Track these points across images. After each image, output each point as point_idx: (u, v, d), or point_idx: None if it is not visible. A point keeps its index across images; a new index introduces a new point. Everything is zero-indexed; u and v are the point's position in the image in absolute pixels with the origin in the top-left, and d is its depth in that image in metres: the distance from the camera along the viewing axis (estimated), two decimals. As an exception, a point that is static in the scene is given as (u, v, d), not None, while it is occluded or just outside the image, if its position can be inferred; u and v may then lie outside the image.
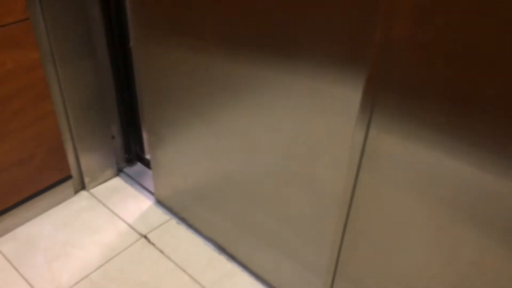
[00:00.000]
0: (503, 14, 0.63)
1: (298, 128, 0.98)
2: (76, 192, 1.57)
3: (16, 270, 1.32)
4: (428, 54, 0.72)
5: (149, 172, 1.69)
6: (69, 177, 1.50)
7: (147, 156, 1.74)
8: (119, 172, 1.67)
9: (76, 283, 1.30)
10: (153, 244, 1.42)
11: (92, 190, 1.59)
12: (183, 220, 1.50)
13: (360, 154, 0.89)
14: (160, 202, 1.55)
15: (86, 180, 1.57)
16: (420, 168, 0.82)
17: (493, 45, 0.65)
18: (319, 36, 0.84)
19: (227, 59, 1.01)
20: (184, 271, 1.34)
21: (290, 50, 0.89)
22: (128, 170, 1.69)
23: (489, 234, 0.79)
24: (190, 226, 1.48)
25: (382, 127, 0.83)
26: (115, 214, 1.51)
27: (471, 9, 0.65)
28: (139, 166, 1.71)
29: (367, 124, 0.85)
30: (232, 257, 1.39)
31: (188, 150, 1.28)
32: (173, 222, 1.50)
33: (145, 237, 1.44)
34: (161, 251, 1.40)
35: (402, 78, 0.77)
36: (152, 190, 1.61)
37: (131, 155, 1.69)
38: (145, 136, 1.70)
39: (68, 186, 1.52)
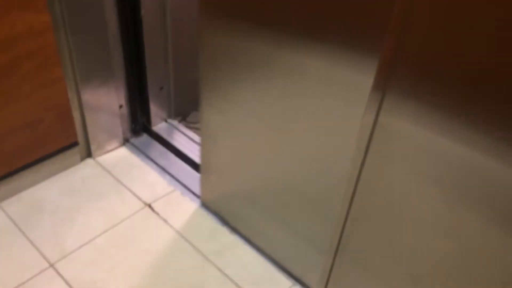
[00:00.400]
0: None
1: (313, 110, 0.98)
2: (82, 159, 1.58)
3: (21, 231, 1.34)
4: (442, 39, 0.72)
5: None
6: (75, 143, 1.51)
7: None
8: (125, 142, 1.68)
9: (80, 247, 1.32)
10: (157, 213, 1.44)
11: (98, 158, 1.60)
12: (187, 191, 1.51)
13: (369, 136, 0.89)
14: (205, 205, 1.49)
15: (92, 148, 1.58)
16: (428, 153, 0.82)
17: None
18: (336, 18, 0.84)
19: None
20: (186, 240, 1.36)
21: (308, 30, 0.89)
22: (134, 140, 1.70)
23: (493, 218, 0.79)
24: (196, 196, 1.50)
25: (392, 111, 0.83)
26: (120, 182, 1.53)
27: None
28: (145, 137, 1.72)
29: (378, 107, 0.85)
30: (235, 230, 1.40)
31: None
32: (178, 193, 1.51)
33: (150, 206, 1.46)
34: (165, 220, 1.42)
35: (416, 62, 0.77)
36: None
37: (137, 125, 1.70)
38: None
39: (74, 153, 1.53)
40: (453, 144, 0.78)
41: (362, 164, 0.94)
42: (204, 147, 1.34)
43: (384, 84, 0.82)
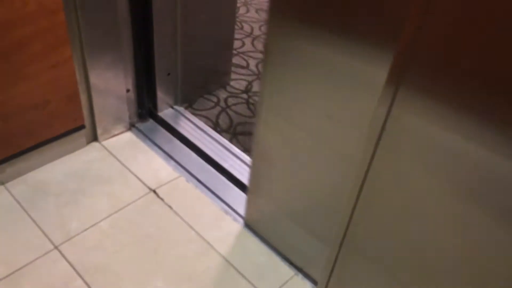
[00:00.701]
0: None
1: (330, 102, 0.97)
2: (88, 142, 1.57)
3: (26, 213, 1.34)
4: (459, 36, 0.71)
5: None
6: (82, 126, 1.51)
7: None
8: (131, 127, 1.67)
9: (85, 229, 1.32)
10: (161, 199, 1.44)
11: (103, 142, 1.60)
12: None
13: (381, 129, 0.89)
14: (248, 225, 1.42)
15: (99, 131, 1.57)
16: (438, 148, 0.82)
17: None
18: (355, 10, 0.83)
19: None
20: (190, 227, 1.36)
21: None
22: (140, 125, 1.69)
23: (501, 214, 0.79)
24: (201, 183, 1.50)
25: (405, 105, 0.83)
26: (126, 167, 1.52)
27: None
28: (151, 122, 1.72)
29: (391, 101, 0.85)
30: (239, 217, 1.40)
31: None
32: (182, 179, 1.51)
33: (154, 191, 1.46)
34: (169, 206, 1.41)
35: (430, 58, 0.76)
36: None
37: (144, 110, 1.69)
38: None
39: (80, 135, 1.53)
40: (463, 141, 0.78)
41: (373, 156, 0.93)
42: (255, 168, 1.26)
43: (398, 78, 0.82)
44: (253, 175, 1.27)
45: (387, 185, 0.94)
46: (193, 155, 1.61)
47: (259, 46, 2.21)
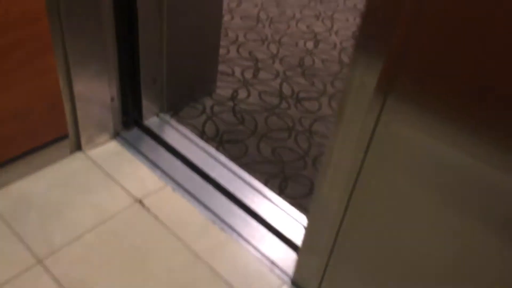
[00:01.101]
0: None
1: None
2: (72, 152, 1.54)
3: (8, 226, 1.30)
4: (447, 46, 0.72)
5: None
6: (65, 136, 1.47)
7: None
8: (115, 135, 1.64)
9: (69, 243, 1.29)
10: (147, 209, 1.41)
11: (88, 152, 1.56)
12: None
13: (370, 137, 0.89)
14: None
15: (83, 141, 1.54)
16: (426, 156, 0.83)
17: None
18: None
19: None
20: (177, 237, 1.34)
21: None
22: (125, 134, 1.66)
23: (491, 224, 0.79)
24: (187, 193, 1.48)
25: (393, 113, 0.84)
26: (110, 177, 1.49)
27: None
28: (136, 131, 1.69)
29: (380, 108, 0.85)
30: (226, 227, 1.39)
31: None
32: (169, 188, 1.48)
33: (140, 201, 1.43)
34: (156, 216, 1.39)
35: (419, 67, 0.77)
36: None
37: (129, 119, 1.66)
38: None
39: (64, 145, 1.49)
40: (451, 149, 0.78)
41: (362, 164, 0.93)
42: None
43: (387, 86, 0.82)
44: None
45: (377, 194, 0.94)
46: (179, 164, 1.58)
47: (245, 53, 2.20)
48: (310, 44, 2.33)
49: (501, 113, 0.71)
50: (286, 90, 2.00)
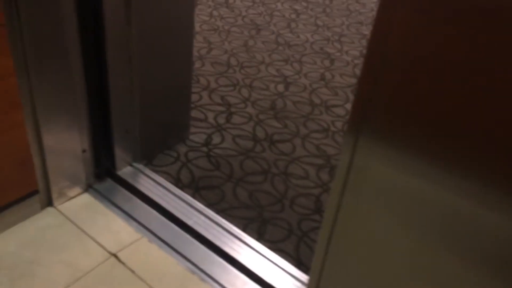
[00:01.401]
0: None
1: None
2: (43, 208, 1.49)
3: (-25, 290, 1.24)
4: (416, 83, 0.74)
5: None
6: (35, 191, 1.43)
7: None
8: (88, 188, 1.61)
9: (41, 304, 1.23)
10: (123, 263, 1.36)
11: (59, 206, 1.52)
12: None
13: (345, 177, 0.90)
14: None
15: (54, 195, 1.50)
16: (400, 192, 0.84)
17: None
18: None
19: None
20: (156, 291, 1.29)
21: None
22: (97, 186, 1.63)
23: (467, 258, 0.80)
24: (165, 243, 1.44)
25: (366, 152, 0.85)
26: (84, 231, 1.45)
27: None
28: (109, 182, 1.66)
29: (352, 148, 0.86)
30: (206, 277, 1.35)
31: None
32: (145, 240, 1.45)
33: (115, 256, 1.38)
34: (132, 271, 1.34)
35: (390, 103, 0.79)
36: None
37: (101, 170, 1.63)
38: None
39: (34, 201, 1.45)
40: (425, 184, 0.80)
41: (339, 205, 0.93)
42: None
43: (357, 126, 0.84)
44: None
45: (355, 234, 0.94)
46: (155, 213, 1.55)
47: (217, 98, 2.22)
48: (280, 87, 2.37)
49: (465, 144, 0.72)
50: (260, 133, 2.01)
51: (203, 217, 1.55)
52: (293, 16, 3.22)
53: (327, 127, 2.08)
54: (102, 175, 1.65)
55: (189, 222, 1.52)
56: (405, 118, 0.78)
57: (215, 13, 3.11)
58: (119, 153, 1.66)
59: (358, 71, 2.53)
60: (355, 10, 3.44)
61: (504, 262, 0.76)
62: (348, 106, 2.26)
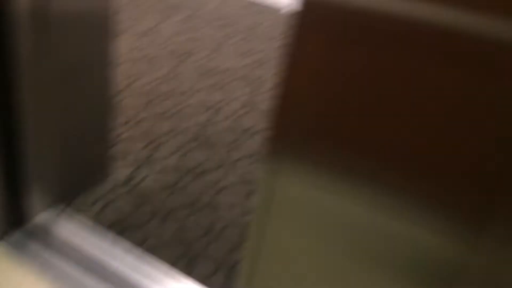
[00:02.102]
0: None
1: None
2: None
3: None
4: (323, 109, 0.75)
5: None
6: None
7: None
8: (-1, 239, 1.49)
9: None
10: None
11: (-35, 264, 1.40)
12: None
13: (269, 199, 0.90)
14: None
15: (-43, 252, 1.37)
16: (324, 214, 0.84)
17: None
18: None
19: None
20: None
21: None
22: (9, 236, 1.51)
23: (390, 276, 0.81)
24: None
25: (287, 174, 0.85)
26: (-6, 289, 1.34)
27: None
28: (23, 231, 1.55)
29: (271, 175, 0.87)
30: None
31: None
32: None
33: (30, 312, 1.28)
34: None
35: (302, 126, 0.80)
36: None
37: (14, 219, 1.53)
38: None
39: None
40: (341, 201, 0.81)
41: (264, 230, 0.93)
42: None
43: (274, 153, 0.85)
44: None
45: (279, 256, 0.93)
46: (75, 260, 1.46)
47: (141, 131, 2.16)
48: (206, 115, 2.35)
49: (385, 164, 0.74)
50: (186, 164, 1.97)
51: (128, 258, 1.48)
52: (219, 42, 3.24)
53: (252, 153, 2.08)
54: (15, 224, 1.54)
55: (114, 265, 1.45)
56: (322, 139, 0.79)
57: (138, 42, 3.06)
58: (34, 198, 1.56)
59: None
60: (280, 34, 3.51)
61: (423, 271, 0.78)
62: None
